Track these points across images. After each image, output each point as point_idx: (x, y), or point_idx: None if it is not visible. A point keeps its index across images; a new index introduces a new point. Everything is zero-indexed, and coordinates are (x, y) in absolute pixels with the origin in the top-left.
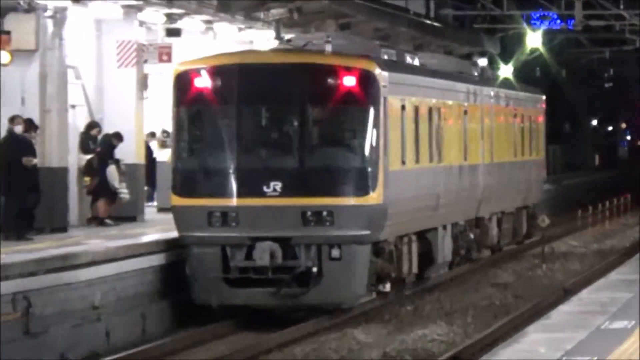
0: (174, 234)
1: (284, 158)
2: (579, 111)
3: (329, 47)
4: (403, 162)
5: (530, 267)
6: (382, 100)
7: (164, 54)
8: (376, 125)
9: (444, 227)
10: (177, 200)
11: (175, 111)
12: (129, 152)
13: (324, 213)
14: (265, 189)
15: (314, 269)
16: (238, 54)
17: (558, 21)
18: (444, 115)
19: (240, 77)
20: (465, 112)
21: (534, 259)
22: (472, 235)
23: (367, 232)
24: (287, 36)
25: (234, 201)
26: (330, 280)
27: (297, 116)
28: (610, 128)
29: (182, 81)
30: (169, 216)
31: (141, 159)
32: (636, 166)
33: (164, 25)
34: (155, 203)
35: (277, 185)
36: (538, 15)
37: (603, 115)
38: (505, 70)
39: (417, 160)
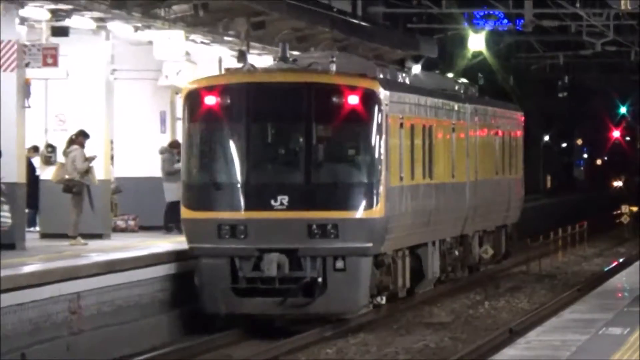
0: (57, 263)
1: (291, 173)
2: (529, 125)
3: (333, 67)
4: (401, 178)
5: (471, 304)
6: (384, 118)
7: (49, 57)
8: (378, 142)
9: (433, 244)
10: (188, 214)
11: (186, 128)
12: (8, 170)
13: (329, 226)
14: (272, 202)
15: (319, 280)
16: (247, 74)
17: (505, 21)
18: (435, 133)
19: (249, 95)
20: (454, 130)
21: (475, 295)
22: (456, 253)
23: (370, 245)
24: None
25: (242, 214)
26: (334, 291)
27: (303, 133)
28: (564, 145)
29: (193, 99)
30: (54, 243)
31: (22, 178)
32: (594, 189)
33: (49, 23)
34: (37, 228)
35: (284, 199)
36: (482, 14)
37: (556, 130)
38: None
39: (413, 177)
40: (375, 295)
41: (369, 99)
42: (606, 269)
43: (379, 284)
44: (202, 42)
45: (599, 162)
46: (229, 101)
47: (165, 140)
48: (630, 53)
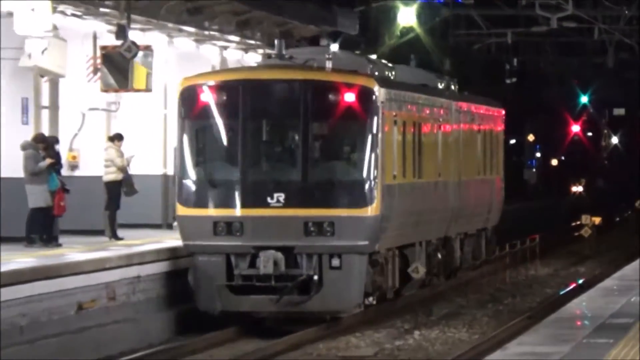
0: None
1: (287, 170)
2: None
3: (329, 64)
4: (394, 177)
5: (398, 333)
6: (380, 115)
7: None
8: (374, 139)
9: (420, 244)
10: (183, 210)
11: (181, 124)
12: None
13: (325, 224)
14: (269, 200)
15: (315, 278)
16: (243, 70)
17: None
18: (424, 131)
19: (245, 92)
20: (440, 128)
21: (402, 324)
22: (439, 256)
23: (366, 243)
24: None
25: (238, 211)
26: (330, 289)
27: (300, 130)
28: (513, 142)
29: (188, 96)
30: None
31: None
32: (549, 195)
33: None
34: None
35: (281, 196)
36: None
37: (504, 124)
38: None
39: (404, 175)
40: (369, 294)
41: (366, 97)
42: (562, 292)
43: (373, 283)
44: (73, 15)
45: (554, 162)
46: (225, 98)
47: (28, 134)
48: (592, 31)
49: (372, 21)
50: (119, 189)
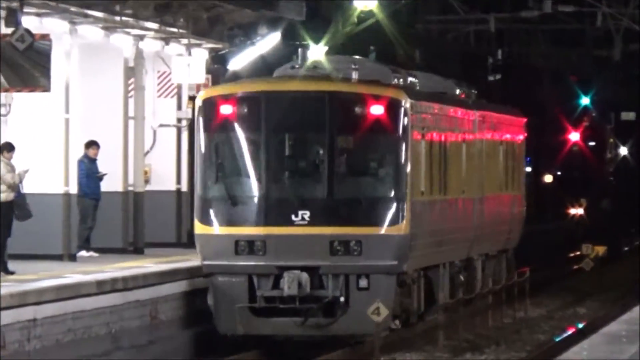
0: None
1: (312, 187)
2: None
3: (355, 75)
4: (422, 193)
5: None
6: (408, 128)
7: None
8: (403, 154)
9: (444, 266)
10: (202, 229)
11: (201, 138)
12: None
13: (352, 242)
14: (293, 217)
15: (342, 299)
16: (265, 81)
17: None
18: (448, 144)
19: (267, 105)
20: (463, 140)
21: None
22: (462, 278)
23: (395, 263)
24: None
25: (261, 229)
26: (357, 311)
27: (325, 145)
28: None
29: (208, 108)
30: None
31: None
32: (541, 219)
33: None
34: None
35: (305, 214)
36: None
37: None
38: (317, 51)
39: (431, 191)
40: (396, 316)
41: (395, 109)
42: (558, 339)
43: (400, 305)
44: None
45: (548, 179)
46: (246, 111)
47: None
48: (595, 16)
49: (323, 6)
50: (10, 211)
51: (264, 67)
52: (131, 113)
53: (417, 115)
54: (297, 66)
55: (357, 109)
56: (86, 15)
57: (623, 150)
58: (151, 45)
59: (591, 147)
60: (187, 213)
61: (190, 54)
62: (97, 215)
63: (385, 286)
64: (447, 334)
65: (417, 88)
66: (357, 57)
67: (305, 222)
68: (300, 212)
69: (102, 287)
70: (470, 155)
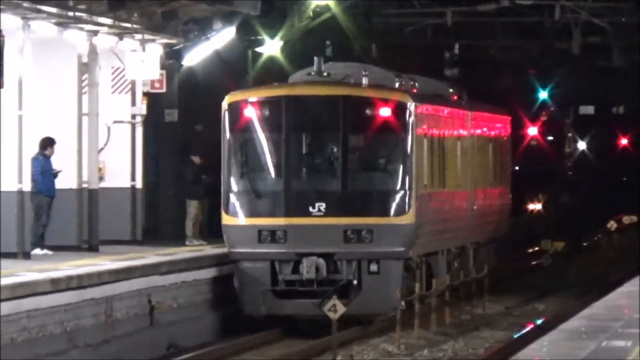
0: None
1: (328, 181)
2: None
3: (365, 80)
4: (425, 186)
5: None
6: (413, 128)
7: None
8: (409, 151)
9: (442, 252)
10: (229, 220)
11: (227, 138)
12: None
13: (364, 231)
14: (310, 209)
15: (355, 282)
16: (286, 86)
17: None
18: (446, 141)
19: (287, 107)
20: (459, 138)
21: None
22: (456, 265)
23: (402, 249)
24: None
25: (282, 220)
26: (369, 293)
27: (339, 143)
28: None
29: (233, 111)
30: None
31: None
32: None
33: None
34: None
35: (322, 205)
36: None
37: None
38: (272, 47)
39: (432, 185)
40: (403, 297)
41: (401, 111)
42: (517, 336)
43: (407, 288)
44: None
45: None
46: (268, 113)
47: None
48: (553, 9)
49: (278, 1)
50: None
51: (219, 62)
52: (85, 109)
53: (420, 116)
54: (312, 73)
55: (368, 111)
56: (39, 11)
57: (582, 145)
58: (105, 40)
59: (549, 142)
60: (142, 210)
61: (144, 49)
62: (51, 212)
63: (394, 270)
64: (403, 331)
65: (416, 90)
66: (365, 64)
67: (322, 213)
68: (317, 204)
69: (57, 285)
70: (464, 152)
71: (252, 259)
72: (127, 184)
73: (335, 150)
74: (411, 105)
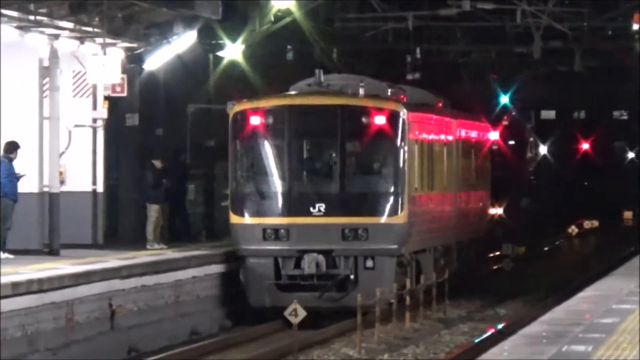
0: None
1: (327, 184)
2: None
3: (362, 91)
4: (416, 189)
5: None
6: (405, 135)
7: None
8: (402, 156)
9: (430, 250)
10: (236, 219)
11: (234, 144)
12: None
13: (360, 230)
14: (311, 209)
15: (352, 277)
16: (288, 96)
17: None
18: (434, 147)
19: (290, 116)
20: (445, 144)
21: None
22: (442, 262)
23: (395, 247)
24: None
25: (285, 220)
26: (364, 286)
27: (338, 149)
28: None
29: (239, 119)
30: None
31: None
32: None
33: None
34: None
35: (322, 206)
36: None
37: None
38: (233, 51)
39: (422, 187)
40: (398, 291)
41: (395, 119)
42: (477, 340)
43: (399, 282)
44: None
45: None
46: (272, 121)
47: None
48: (514, 14)
49: (239, 3)
50: None
51: (181, 67)
52: (46, 113)
53: (411, 123)
54: (312, 83)
55: (364, 119)
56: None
57: (543, 150)
58: (66, 44)
59: (511, 147)
60: (103, 214)
61: (105, 53)
62: (12, 216)
63: (388, 266)
64: (363, 335)
65: (406, 99)
66: (360, 76)
67: (321, 213)
68: (317, 205)
69: (17, 289)
70: (450, 156)
71: (257, 255)
72: (88, 188)
73: (334, 155)
74: (403, 114)
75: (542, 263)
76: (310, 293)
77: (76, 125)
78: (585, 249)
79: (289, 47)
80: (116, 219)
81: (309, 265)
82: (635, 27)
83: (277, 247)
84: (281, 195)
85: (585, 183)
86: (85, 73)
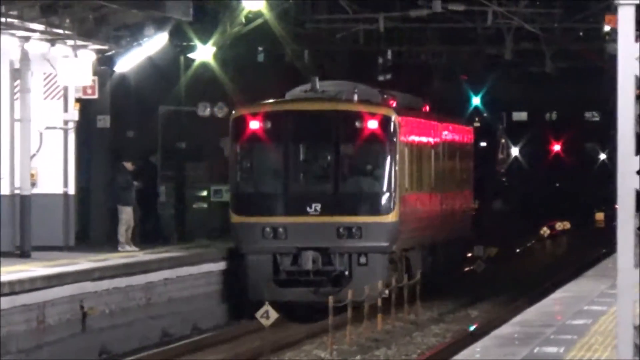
0: None
1: (323, 185)
2: None
3: (355, 97)
4: (406, 189)
5: None
6: (397, 138)
7: None
8: (393, 158)
9: (418, 249)
10: (236, 218)
11: (234, 147)
12: None
13: (354, 228)
14: (308, 209)
15: (346, 273)
16: (286, 102)
17: None
18: (422, 149)
19: (287, 120)
20: (431, 146)
21: None
22: (430, 259)
23: (387, 244)
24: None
25: (283, 219)
26: (358, 282)
27: (333, 152)
28: None
29: (239, 123)
30: None
31: None
32: None
33: None
34: None
35: (317, 206)
36: None
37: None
38: (204, 53)
39: (412, 187)
40: (387, 286)
41: (386, 123)
42: (449, 342)
43: (390, 278)
44: None
45: None
46: (270, 125)
47: None
48: (486, 15)
49: (210, 5)
50: None
51: (152, 68)
52: (17, 115)
53: (402, 127)
54: (308, 90)
55: (357, 124)
56: None
57: (514, 151)
58: (37, 46)
59: (482, 148)
60: (74, 216)
61: (76, 55)
62: None
63: (380, 262)
64: (335, 337)
65: (396, 104)
66: (354, 82)
67: (317, 213)
68: (313, 205)
69: None
70: (437, 158)
71: (257, 253)
72: (59, 190)
73: (329, 157)
74: (395, 118)
75: (513, 264)
76: (307, 288)
77: (47, 128)
78: (557, 250)
79: (260, 48)
80: (88, 221)
81: (305, 261)
82: (606, 28)
83: (276, 245)
84: (279, 195)
85: (557, 184)
86: (56, 75)
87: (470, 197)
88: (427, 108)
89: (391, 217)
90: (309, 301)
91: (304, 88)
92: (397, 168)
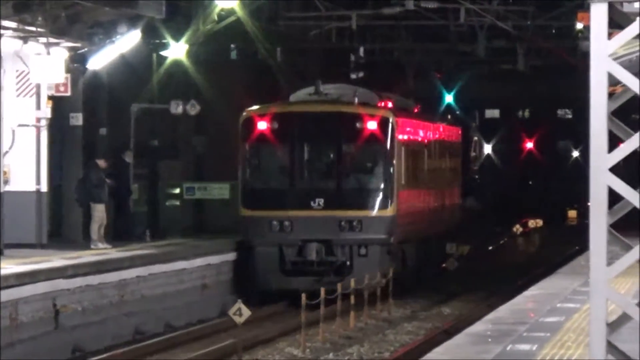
0: None
1: (326, 181)
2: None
3: (356, 99)
4: (402, 185)
5: None
6: (395, 138)
7: None
8: (391, 157)
9: (413, 241)
10: (246, 212)
11: (244, 146)
12: None
13: (355, 222)
14: (312, 204)
15: (347, 263)
16: (292, 104)
17: None
18: (417, 147)
19: (293, 121)
20: (425, 144)
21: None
22: (423, 252)
23: (385, 237)
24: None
25: (289, 213)
26: (359, 272)
27: (335, 150)
28: None
29: (248, 124)
30: None
31: None
32: None
33: None
34: None
35: (321, 201)
36: None
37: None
38: (176, 50)
39: (408, 183)
40: (385, 276)
41: (385, 124)
42: (422, 340)
43: (388, 268)
44: None
45: None
46: (277, 125)
47: None
48: (458, 12)
49: (183, 3)
50: None
51: (125, 66)
52: None
53: (399, 127)
54: (312, 93)
55: (358, 124)
56: None
57: (487, 149)
58: (10, 44)
59: None
60: (47, 213)
61: (49, 53)
62: None
63: (379, 254)
64: (308, 334)
65: (392, 106)
66: (354, 86)
67: (321, 207)
68: (317, 200)
69: None
70: (429, 157)
71: (264, 244)
72: (32, 187)
73: (332, 155)
74: (393, 120)
75: (486, 262)
76: (311, 277)
77: (20, 125)
78: (530, 248)
79: (232, 46)
80: (60, 218)
81: (310, 253)
82: (578, 26)
83: (282, 237)
84: (285, 191)
85: (530, 182)
86: (28, 72)
87: (459, 193)
88: (418, 109)
89: (389, 212)
90: (313, 289)
91: (307, 91)
92: (394, 165)
